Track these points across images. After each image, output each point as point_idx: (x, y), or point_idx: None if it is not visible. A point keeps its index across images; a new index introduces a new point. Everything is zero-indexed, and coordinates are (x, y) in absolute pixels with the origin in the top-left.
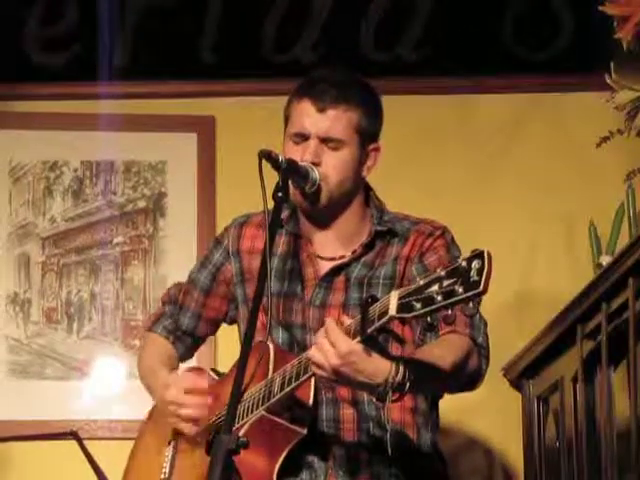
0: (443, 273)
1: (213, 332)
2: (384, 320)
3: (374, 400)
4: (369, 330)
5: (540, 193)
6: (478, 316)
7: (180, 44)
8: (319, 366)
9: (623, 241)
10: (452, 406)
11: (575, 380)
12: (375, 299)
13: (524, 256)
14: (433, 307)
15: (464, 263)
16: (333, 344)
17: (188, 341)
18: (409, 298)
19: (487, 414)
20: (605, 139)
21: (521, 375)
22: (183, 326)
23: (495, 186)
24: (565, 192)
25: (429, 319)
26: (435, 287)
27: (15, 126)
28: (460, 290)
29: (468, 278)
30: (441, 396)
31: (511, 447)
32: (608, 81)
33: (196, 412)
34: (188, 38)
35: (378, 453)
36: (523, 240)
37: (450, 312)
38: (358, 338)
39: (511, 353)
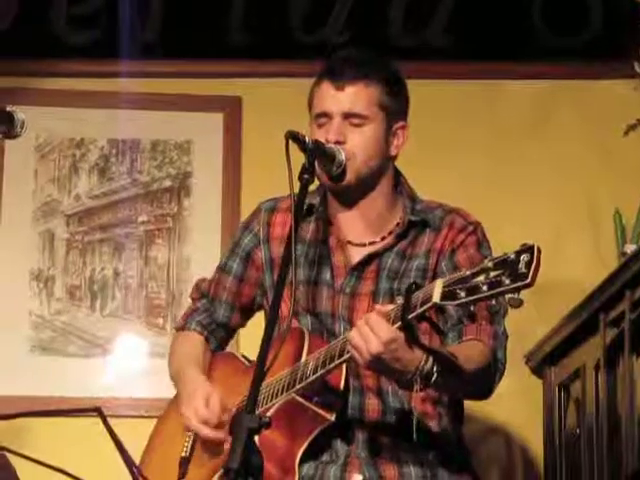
0: (490, 264)
1: (245, 322)
2: (427, 306)
3: (399, 387)
4: (410, 316)
5: (566, 180)
6: (502, 330)
7: (208, 24)
8: (359, 351)
9: None
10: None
11: (597, 368)
12: (418, 286)
13: (549, 243)
14: (478, 296)
15: (513, 255)
16: (375, 330)
17: (221, 334)
18: (454, 286)
19: (508, 401)
20: (632, 127)
21: (543, 362)
22: (218, 318)
23: (521, 172)
24: (591, 180)
25: (472, 308)
26: (481, 277)
27: (42, 103)
28: (507, 281)
29: (516, 270)
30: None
31: (531, 434)
32: (637, 69)
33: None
34: (216, 18)
35: (401, 439)
36: (548, 227)
37: (494, 302)
38: (398, 324)
39: (533, 340)
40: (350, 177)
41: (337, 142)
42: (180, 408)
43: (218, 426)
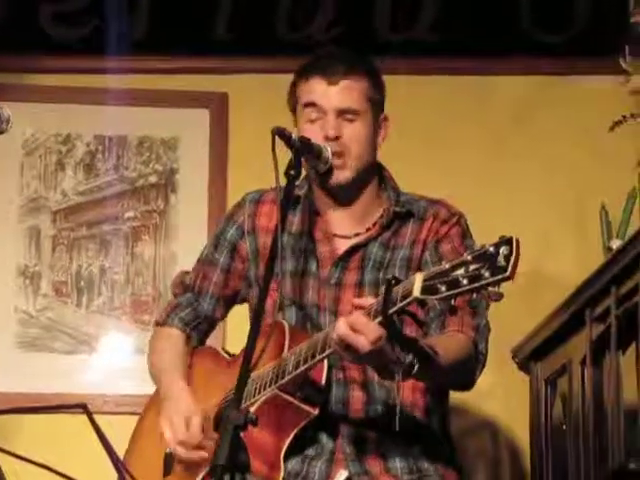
0: (469, 257)
1: (226, 314)
2: (407, 301)
3: (380, 378)
4: (391, 311)
5: (552, 175)
6: (484, 322)
7: (194, 20)
8: (346, 350)
9: (634, 225)
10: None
11: (583, 363)
12: (398, 280)
13: (535, 238)
14: (458, 290)
15: (492, 248)
16: (363, 331)
17: (205, 327)
18: (434, 280)
19: (495, 396)
20: (618, 123)
21: (529, 357)
22: (203, 311)
23: (508, 168)
24: (577, 175)
25: (453, 302)
26: (461, 271)
27: (29, 99)
28: (487, 274)
29: (495, 263)
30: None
31: (518, 429)
32: (623, 65)
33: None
34: (203, 14)
35: (386, 433)
36: (534, 222)
37: (476, 297)
38: (379, 318)
39: (520, 335)
40: (348, 174)
41: (336, 138)
42: (160, 415)
43: (197, 447)
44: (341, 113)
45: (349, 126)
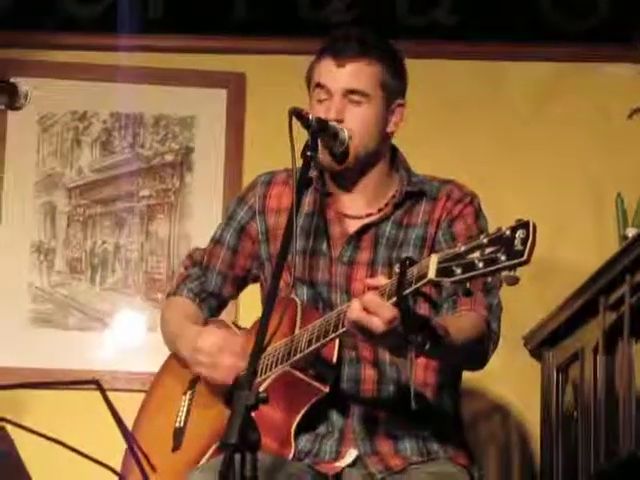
0: (485, 240)
1: (238, 293)
2: (422, 283)
3: (393, 356)
4: (406, 292)
5: (569, 163)
6: (497, 302)
7: (214, 1)
8: (362, 331)
9: None
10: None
11: (596, 351)
12: (413, 261)
13: (550, 225)
14: (474, 273)
15: (508, 232)
16: (378, 312)
17: (214, 303)
18: (449, 263)
19: (507, 382)
20: (636, 111)
21: (542, 344)
22: (210, 287)
23: (524, 154)
24: (594, 163)
25: (468, 285)
26: (477, 254)
27: (45, 75)
28: (503, 258)
29: (512, 247)
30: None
31: (529, 416)
32: None
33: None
34: None
35: (397, 413)
36: (550, 209)
37: (490, 279)
38: (393, 299)
39: (533, 322)
40: (349, 159)
41: (336, 120)
42: (192, 365)
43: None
44: (347, 94)
45: (354, 109)
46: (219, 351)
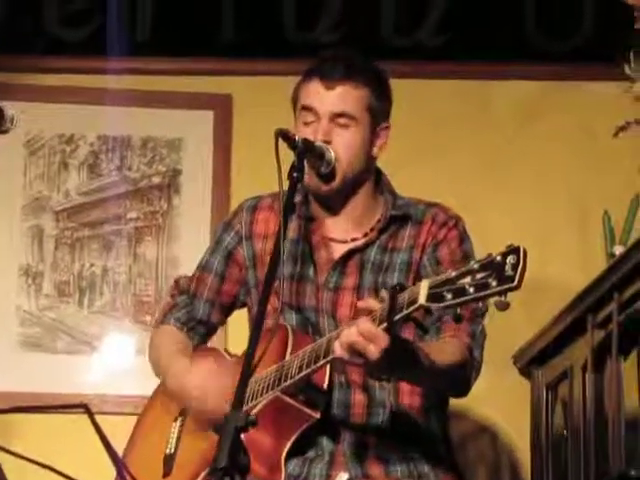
0: (476, 266)
1: (225, 319)
2: (413, 308)
3: (369, 378)
4: (396, 318)
5: (555, 181)
6: (480, 329)
7: (200, 22)
8: (360, 357)
9: (637, 232)
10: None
11: (585, 369)
12: (403, 287)
13: (537, 244)
14: (465, 299)
15: (499, 257)
16: (374, 340)
17: (202, 330)
18: (440, 288)
19: (496, 401)
20: (622, 129)
21: (531, 363)
22: (198, 315)
23: (510, 173)
24: (580, 181)
25: (459, 310)
26: (468, 279)
27: (32, 99)
28: (494, 283)
29: (502, 272)
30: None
31: (519, 435)
32: (627, 71)
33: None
34: (208, 16)
35: (387, 436)
36: (536, 228)
37: (481, 305)
38: (384, 325)
39: (521, 341)
40: (336, 180)
41: (324, 142)
42: (183, 400)
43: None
44: (334, 117)
45: (341, 132)
46: (205, 395)
